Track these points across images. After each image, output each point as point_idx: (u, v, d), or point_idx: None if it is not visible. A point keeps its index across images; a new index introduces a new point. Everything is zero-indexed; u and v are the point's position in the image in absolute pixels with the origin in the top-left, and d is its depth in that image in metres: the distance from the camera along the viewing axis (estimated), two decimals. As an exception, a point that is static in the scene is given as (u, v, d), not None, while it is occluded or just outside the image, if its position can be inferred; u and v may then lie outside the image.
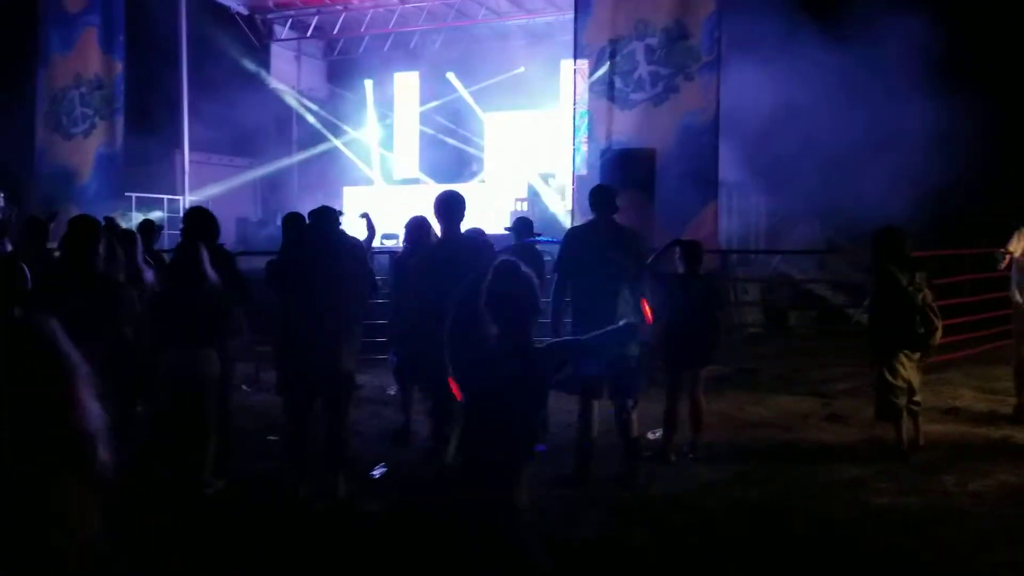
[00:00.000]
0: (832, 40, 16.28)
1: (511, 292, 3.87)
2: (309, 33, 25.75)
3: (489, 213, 17.34)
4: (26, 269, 5.76)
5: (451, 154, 25.03)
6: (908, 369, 7.95)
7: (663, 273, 8.05)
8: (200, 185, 22.34)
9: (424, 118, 25.24)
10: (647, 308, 7.20)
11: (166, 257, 8.57)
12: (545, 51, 22.95)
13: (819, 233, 19.37)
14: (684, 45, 14.09)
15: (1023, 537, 6.19)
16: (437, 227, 8.33)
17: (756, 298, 16.49)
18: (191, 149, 21.63)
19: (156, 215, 17.69)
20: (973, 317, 12.87)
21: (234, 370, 8.70)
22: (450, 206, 6.54)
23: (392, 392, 9.96)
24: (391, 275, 8.49)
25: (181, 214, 13.41)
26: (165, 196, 21.56)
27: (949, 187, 16.59)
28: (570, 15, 16.32)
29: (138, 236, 8.05)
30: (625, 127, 14.41)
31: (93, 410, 3.35)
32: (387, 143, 25.59)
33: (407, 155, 25.47)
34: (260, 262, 9.27)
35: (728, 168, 15.19)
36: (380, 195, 23.31)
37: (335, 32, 25.69)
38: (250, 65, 24.53)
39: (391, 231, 16.50)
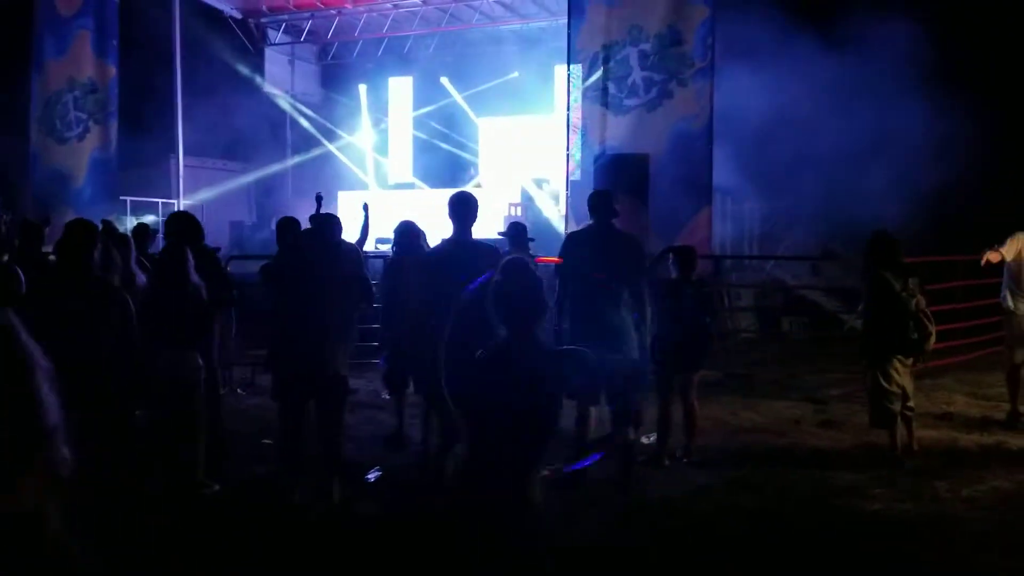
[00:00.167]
0: (825, 45, 16.34)
1: (518, 291, 3.86)
2: (303, 37, 25.72)
3: (483, 217, 17.21)
4: (20, 273, 5.75)
5: (445, 159, 25.03)
6: (902, 375, 7.96)
7: (656, 279, 8.05)
8: (194, 189, 22.34)
9: (418, 123, 25.28)
10: (646, 313, 7.19)
11: (159, 261, 8.57)
12: (539, 56, 22.98)
13: (812, 239, 19.40)
14: (677, 51, 14.12)
15: (1016, 542, 6.21)
16: (431, 230, 8.40)
17: (749, 304, 16.51)
18: (185, 153, 21.62)
19: (150, 219, 17.70)
20: (966, 323, 12.90)
21: (220, 373, 8.71)
22: (463, 207, 6.59)
23: (386, 396, 9.96)
24: (382, 280, 8.50)
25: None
26: (160, 200, 21.55)
27: (943, 193, 16.64)
28: (563, 20, 16.37)
29: (132, 240, 8.06)
30: (619, 132, 14.43)
31: (52, 405, 3.36)
32: (381, 148, 25.61)
33: (401, 160, 25.48)
34: (254, 266, 9.27)
35: (722, 174, 15.21)
36: (374, 200, 23.23)
37: (329, 36, 25.66)
38: (244, 69, 24.53)
39: (385, 235, 16.47)
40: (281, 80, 26.13)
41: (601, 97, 14.58)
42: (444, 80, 24.38)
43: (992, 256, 9.44)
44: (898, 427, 7.98)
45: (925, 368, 9.99)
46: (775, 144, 16.88)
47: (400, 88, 25.50)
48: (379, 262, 11.79)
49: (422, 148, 25.31)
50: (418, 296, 6.53)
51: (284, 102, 25.96)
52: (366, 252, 9.35)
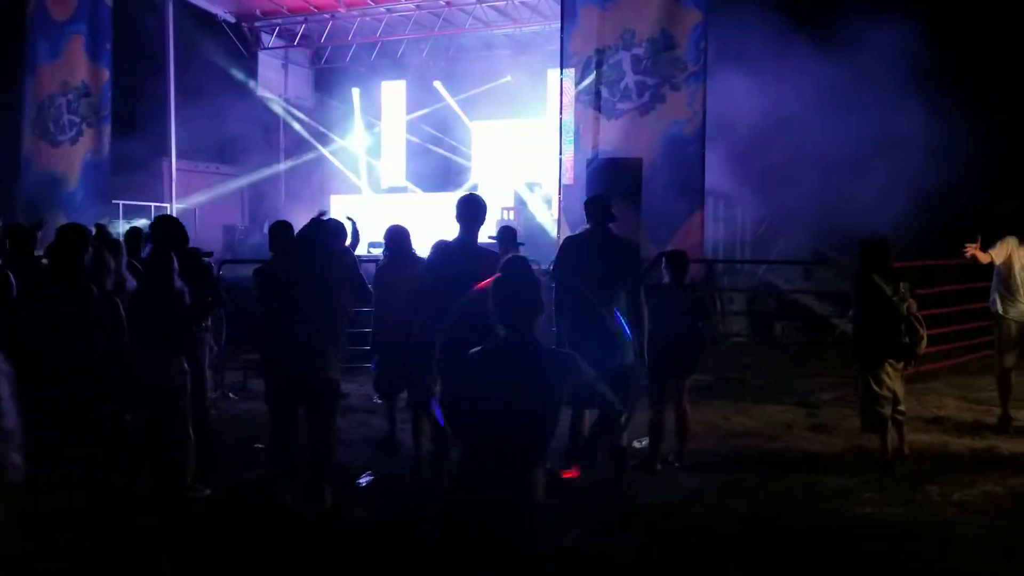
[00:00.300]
0: (818, 49, 16.36)
1: (517, 288, 3.87)
2: (296, 42, 25.77)
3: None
4: (12, 277, 5.75)
5: (438, 163, 25.05)
6: (893, 379, 7.98)
7: (649, 283, 8.05)
8: (187, 193, 22.35)
9: (411, 127, 25.28)
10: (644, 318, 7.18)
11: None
12: (531, 60, 23.04)
13: (805, 243, 19.43)
14: (670, 55, 14.14)
15: (1007, 547, 6.22)
16: (423, 234, 8.40)
17: (742, 308, 16.53)
18: (178, 157, 21.66)
19: (143, 223, 17.64)
20: (958, 327, 12.93)
21: (212, 376, 8.70)
22: (472, 208, 6.66)
23: (378, 400, 9.95)
24: (373, 284, 8.51)
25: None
26: (152, 204, 21.56)
27: (935, 197, 16.65)
28: (556, 25, 16.39)
29: (123, 245, 8.06)
30: (611, 136, 14.45)
31: (9, 411, 3.35)
32: (374, 152, 25.61)
33: (394, 164, 25.49)
34: (246, 270, 9.26)
35: (714, 178, 15.24)
36: (367, 204, 23.30)
37: (322, 40, 25.67)
38: (237, 73, 24.54)
39: (378, 240, 16.48)
40: (274, 84, 26.15)
41: (594, 101, 14.60)
42: (437, 84, 24.39)
43: (982, 257, 9.45)
44: (889, 431, 8.00)
45: (916, 372, 10.04)
46: (767, 148, 16.92)
47: (393, 92, 25.51)
48: (371, 266, 11.77)
49: (415, 152, 25.32)
50: (432, 288, 6.54)
51: (277, 106, 25.97)
52: (360, 255, 9.35)
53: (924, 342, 8.02)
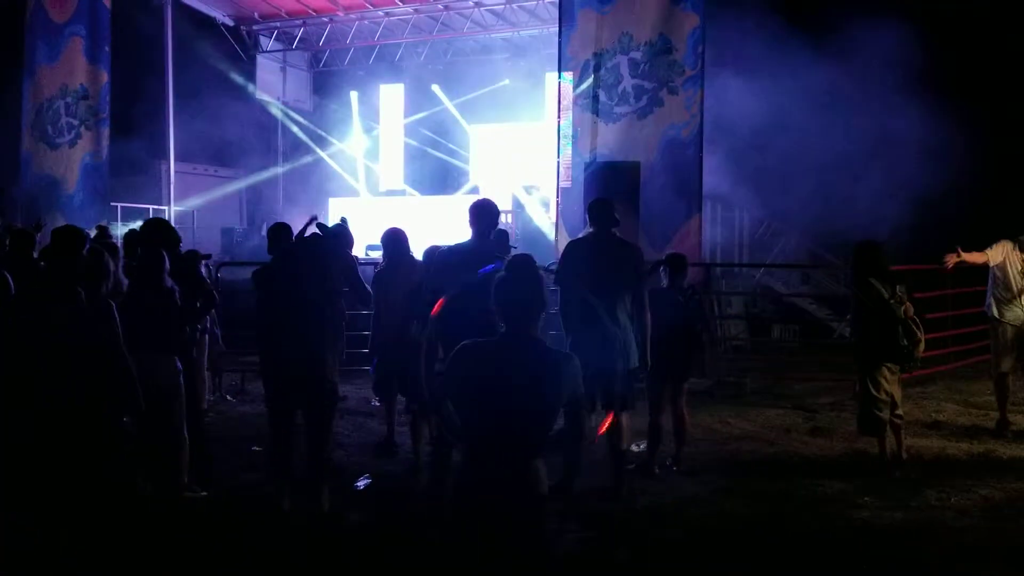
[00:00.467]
0: (816, 53, 16.34)
1: (520, 285, 3.87)
2: (294, 45, 25.77)
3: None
4: (10, 278, 5.75)
5: (436, 166, 25.06)
6: (891, 382, 7.97)
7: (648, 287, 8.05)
8: (185, 195, 22.34)
9: (409, 130, 25.25)
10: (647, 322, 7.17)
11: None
12: (529, 64, 23.04)
13: (803, 246, 19.45)
14: (668, 59, 14.12)
15: (1006, 551, 6.22)
16: (421, 237, 8.41)
17: (740, 311, 16.54)
18: (176, 159, 21.64)
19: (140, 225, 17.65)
20: (956, 331, 12.94)
21: (207, 378, 8.70)
22: (483, 213, 6.69)
23: (376, 403, 9.95)
24: (372, 287, 8.51)
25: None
26: (150, 206, 21.54)
27: (933, 201, 16.66)
28: (554, 28, 16.39)
29: (120, 248, 8.07)
30: (609, 140, 14.43)
31: None
32: (372, 155, 25.58)
33: (392, 167, 25.45)
34: (244, 272, 9.26)
35: (712, 181, 15.23)
36: (365, 207, 23.30)
37: (320, 44, 25.67)
38: (235, 76, 24.52)
39: (376, 243, 16.47)
40: (272, 87, 26.13)
41: (592, 105, 14.58)
42: (435, 87, 24.41)
43: (976, 257, 9.45)
44: (887, 435, 8.00)
45: (914, 376, 10.04)
46: (765, 152, 16.92)
47: (391, 95, 25.49)
48: (369, 269, 11.77)
49: (413, 155, 25.30)
50: (430, 287, 6.52)
51: (275, 109, 25.97)
52: (358, 258, 9.34)
53: (922, 345, 8.01)
